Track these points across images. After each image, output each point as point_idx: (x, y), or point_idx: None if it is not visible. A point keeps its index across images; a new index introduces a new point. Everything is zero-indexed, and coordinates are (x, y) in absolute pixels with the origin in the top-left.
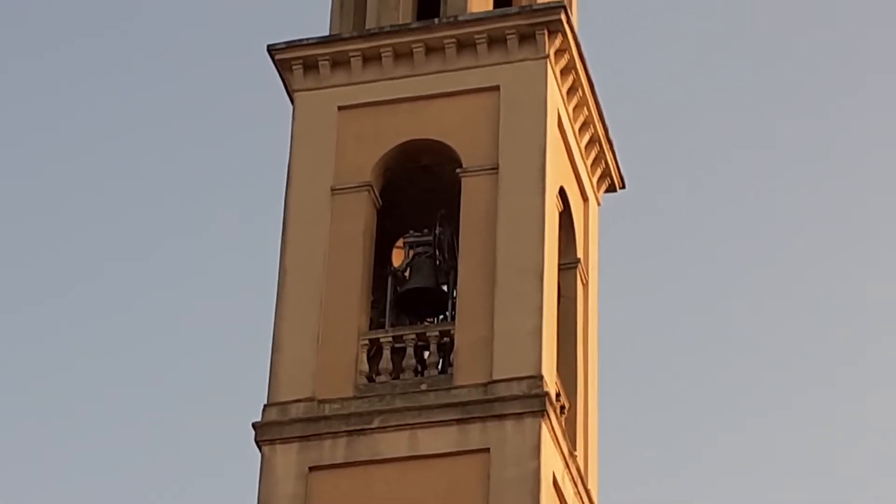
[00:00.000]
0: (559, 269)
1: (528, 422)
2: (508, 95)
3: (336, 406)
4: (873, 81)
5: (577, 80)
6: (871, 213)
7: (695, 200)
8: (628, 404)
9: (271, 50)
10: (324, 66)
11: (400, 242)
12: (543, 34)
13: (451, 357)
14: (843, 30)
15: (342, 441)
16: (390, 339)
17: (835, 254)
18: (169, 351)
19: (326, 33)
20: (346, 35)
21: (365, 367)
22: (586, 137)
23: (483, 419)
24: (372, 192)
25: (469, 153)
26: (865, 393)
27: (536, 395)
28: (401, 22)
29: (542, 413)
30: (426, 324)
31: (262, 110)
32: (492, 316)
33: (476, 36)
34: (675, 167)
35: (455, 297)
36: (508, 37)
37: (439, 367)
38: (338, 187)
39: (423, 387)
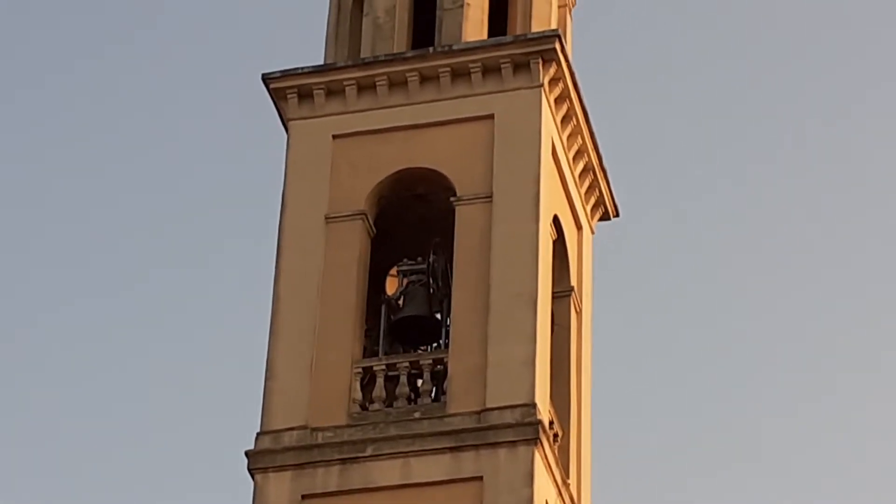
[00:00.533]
0: (553, 298)
1: (522, 450)
2: (503, 124)
3: (329, 434)
4: (871, 97)
5: (571, 108)
6: (871, 231)
7: (688, 229)
8: (622, 432)
9: (266, 78)
10: (318, 94)
11: (394, 270)
12: (538, 63)
13: (445, 385)
14: (835, 56)
15: (335, 469)
16: (384, 367)
17: (831, 278)
18: (162, 379)
19: (321, 62)
20: (341, 64)
21: (358, 395)
22: (580, 166)
23: (476, 447)
24: (366, 220)
25: (463, 182)
26: (866, 402)
27: (530, 423)
28: (395, 51)
29: (535, 441)
30: (420, 352)
31: (257, 139)
32: (485, 344)
33: (470, 65)
34: (669, 196)
35: (449, 326)
36: (503, 66)
37: (433, 395)
38: (332, 215)
39: (417, 415)
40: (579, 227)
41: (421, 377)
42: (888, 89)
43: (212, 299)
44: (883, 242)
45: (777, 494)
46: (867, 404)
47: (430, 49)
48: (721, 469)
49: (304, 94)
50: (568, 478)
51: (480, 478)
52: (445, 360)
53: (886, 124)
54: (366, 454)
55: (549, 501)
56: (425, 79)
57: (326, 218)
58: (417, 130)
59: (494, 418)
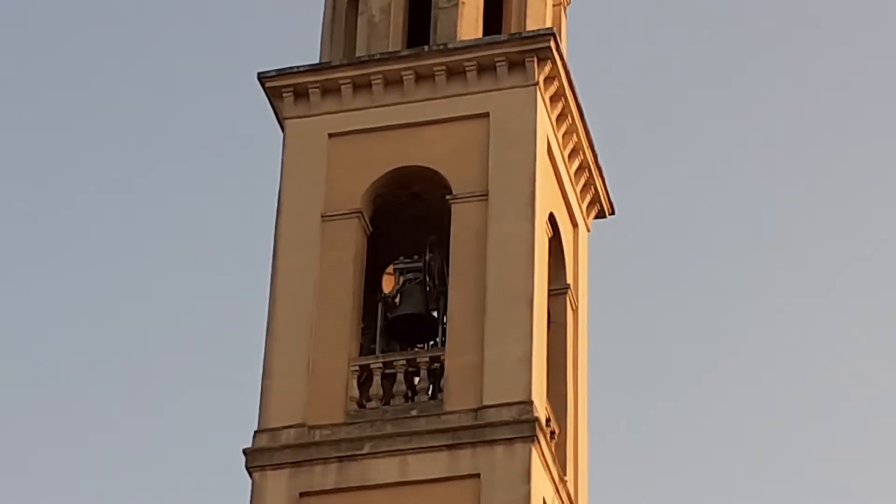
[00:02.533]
0: (549, 295)
1: (519, 447)
2: (498, 122)
3: (327, 432)
4: (866, 88)
5: (566, 106)
6: (870, 227)
7: (684, 226)
8: (618, 429)
9: (262, 77)
10: (314, 93)
11: (390, 269)
12: (533, 62)
13: (442, 383)
14: (836, 48)
15: (333, 467)
16: (381, 365)
17: (830, 274)
18: (160, 378)
19: (317, 61)
20: (337, 63)
21: (355, 393)
22: (576, 164)
23: (473, 445)
24: (362, 218)
25: (459, 180)
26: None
27: (526, 421)
28: (391, 49)
29: (532, 438)
30: (416, 350)
31: (253, 138)
32: (482, 342)
33: (465, 63)
34: (665, 193)
35: (445, 323)
36: (498, 64)
37: (430, 392)
38: (328, 214)
39: (414, 413)
40: (575, 225)
41: (418, 375)
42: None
43: (209, 298)
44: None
45: (775, 486)
46: (875, 406)
47: (426, 48)
48: (719, 463)
49: (300, 93)
50: (565, 475)
51: (478, 475)
52: (442, 357)
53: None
54: (363, 452)
55: (546, 498)
56: (420, 77)
57: (322, 216)
58: (413, 129)
59: (491, 416)
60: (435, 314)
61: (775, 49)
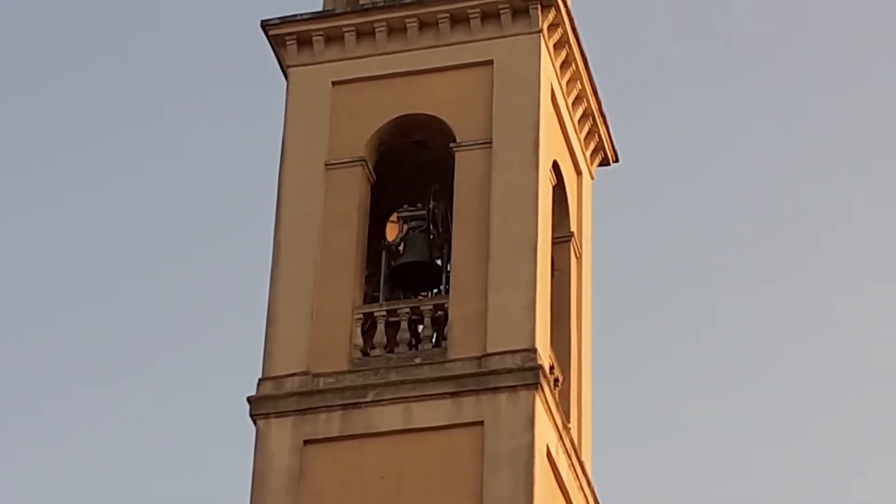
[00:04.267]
0: (553, 243)
1: (522, 395)
2: (502, 70)
3: (331, 380)
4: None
5: (570, 54)
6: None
7: (688, 174)
8: (622, 377)
9: (265, 25)
10: (317, 41)
11: (394, 217)
12: (537, 9)
13: (445, 331)
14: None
15: (337, 415)
16: (384, 313)
17: (833, 233)
18: (164, 327)
19: (320, 9)
20: (340, 10)
21: (359, 341)
22: (580, 111)
23: (477, 392)
24: (366, 166)
25: (462, 128)
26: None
27: (530, 368)
28: None
29: (535, 386)
30: (420, 298)
31: (256, 86)
32: (486, 290)
33: (469, 11)
34: (669, 141)
35: (449, 271)
36: (502, 11)
37: (433, 340)
38: (331, 162)
39: (418, 360)
40: (579, 173)
41: (421, 323)
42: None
43: (213, 246)
44: None
45: (778, 431)
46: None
47: None
48: (723, 410)
49: (303, 41)
50: (569, 422)
51: (481, 422)
52: (446, 305)
53: None
54: (367, 400)
55: (549, 446)
56: (424, 25)
57: (326, 164)
58: (416, 77)
59: (495, 363)
60: (439, 262)
61: None
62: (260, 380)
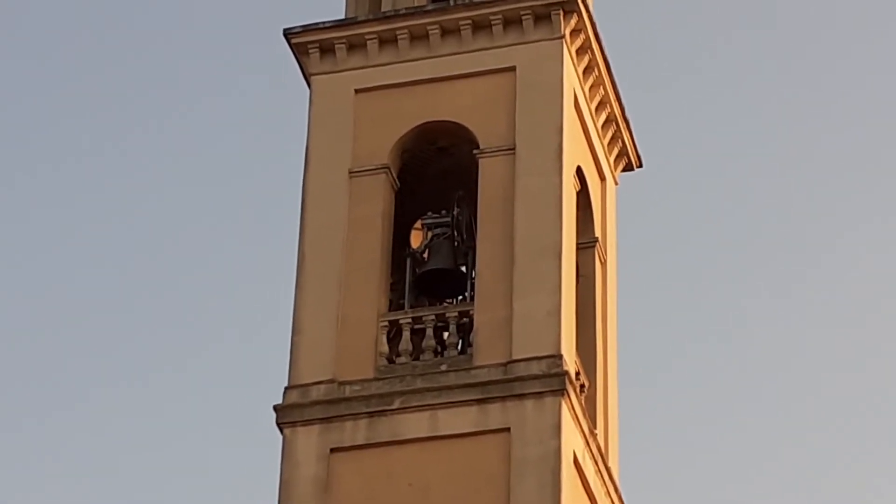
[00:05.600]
0: (577, 249)
1: (549, 401)
2: (524, 76)
3: (356, 388)
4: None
5: (592, 59)
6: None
7: (712, 178)
8: (648, 382)
9: (288, 34)
10: (340, 49)
11: (418, 224)
12: (559, 14)
13: (471, 337)
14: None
15: (363, 422)
16: (410, 320)
17: (858, 234)
18: (191, 334)
19: (342, 16)
20: (362, 18)
21: (385, 348)
22: (603, 117)
23: (503, 399)
24: (390, 174)
25: (486, 134)
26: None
27: (556, 375)
28: (416, 4)
29: (562, 392)
30: (445, 305)
31: (280, 94)
32: (511, 296)
33: (491, 17)
34: (692, 146)
35: (474, 278)
36: (524, 17)
37: (459, 347)
38: (355, 170)
39: (443, 367)
40: (603, 178)
41: (447, 330)
42: None
43: (239, 254)
44: None
45: (804, 435)
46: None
47: (451, 1)
48: (749, 416)
49: (326, 49)
50: (595, 428)
51: (508, 429)
52: (471, 312)
53: None
54: (393, 407)
55: (576, 452)
56: (446, 32)
57: (350, 172)
58: (439, 83)
59: (521, 370)
60: (463, 269)
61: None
62: (286, 388)
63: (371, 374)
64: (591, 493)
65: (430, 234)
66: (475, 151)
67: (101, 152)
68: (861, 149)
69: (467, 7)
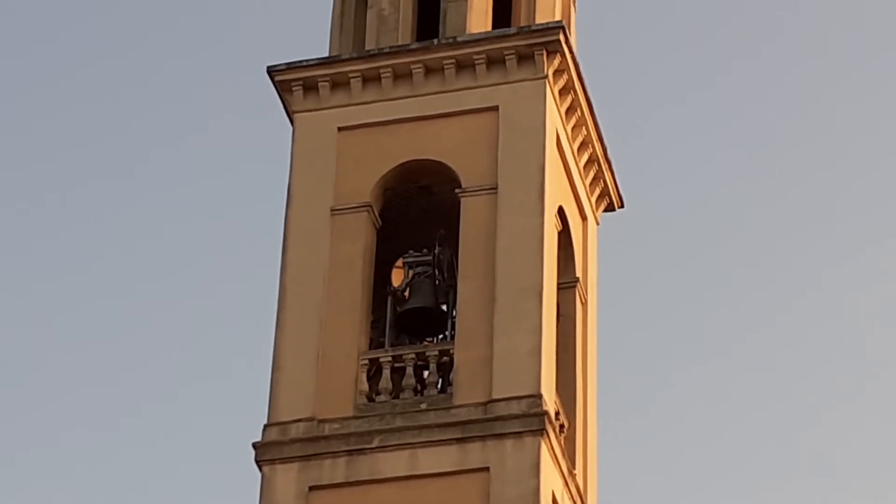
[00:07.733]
0: (558, 289)
1: (528, 441)
2: (507, 116)
3: (336, 426)
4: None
5: (575, 99)
6: (875, 224)
7: (693, 220)
8: (627, 423)
9: (271, 71)
10: (323, 87)
11: (399, 262)
12: (542, 55)
13: (451, 376)
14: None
15: (342, 461)
16: (390, 358)
17: (839, 272)
18: (169, 371)
19: (326, 54)
20: (346, 56)
21: (365, 386)
22: (585, 157)
23: (483, 438)
24: (371, 212)
25: (468, 173)
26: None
27: (536, 414)
28: (400, 43)
29: (541, 432)
30: (426, 343)
31: (262, 131)
32: (491, 335)
33: (475, 57)
34: (674, 187)
35: (455, 317)
36: (507, 57)
37: (439, 386)
38: (337, 208)
39: (423, 406)
40: (584, 218)
41: (427, 368)
42: None
43: (219, 291)
44: None
45: (783, 480)
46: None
47: (435, 41)
48: (728, 457)
49: (309, 87)
50: (574, 468)
51: (487, 469)
52: (451, 351)
53: None
54: (372, 446)
55: (555, 492)
56: (430, 70)
57: (332, 210)
58: (422, 122)
59: (501, 409)
60: (444, 308)
61: (785, 38)
62: (265, 425)
63: (351, 413)
64: None
65: (411, 272)
66: (457, 190)
67: (83, 185)
68: (848, 182)
69: (451, 46)
